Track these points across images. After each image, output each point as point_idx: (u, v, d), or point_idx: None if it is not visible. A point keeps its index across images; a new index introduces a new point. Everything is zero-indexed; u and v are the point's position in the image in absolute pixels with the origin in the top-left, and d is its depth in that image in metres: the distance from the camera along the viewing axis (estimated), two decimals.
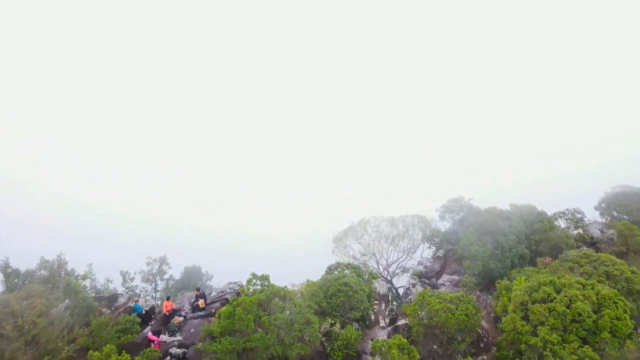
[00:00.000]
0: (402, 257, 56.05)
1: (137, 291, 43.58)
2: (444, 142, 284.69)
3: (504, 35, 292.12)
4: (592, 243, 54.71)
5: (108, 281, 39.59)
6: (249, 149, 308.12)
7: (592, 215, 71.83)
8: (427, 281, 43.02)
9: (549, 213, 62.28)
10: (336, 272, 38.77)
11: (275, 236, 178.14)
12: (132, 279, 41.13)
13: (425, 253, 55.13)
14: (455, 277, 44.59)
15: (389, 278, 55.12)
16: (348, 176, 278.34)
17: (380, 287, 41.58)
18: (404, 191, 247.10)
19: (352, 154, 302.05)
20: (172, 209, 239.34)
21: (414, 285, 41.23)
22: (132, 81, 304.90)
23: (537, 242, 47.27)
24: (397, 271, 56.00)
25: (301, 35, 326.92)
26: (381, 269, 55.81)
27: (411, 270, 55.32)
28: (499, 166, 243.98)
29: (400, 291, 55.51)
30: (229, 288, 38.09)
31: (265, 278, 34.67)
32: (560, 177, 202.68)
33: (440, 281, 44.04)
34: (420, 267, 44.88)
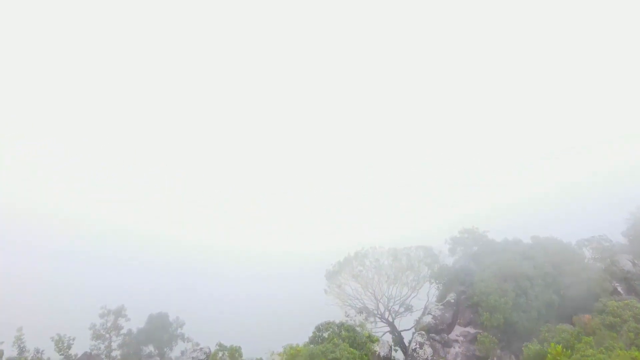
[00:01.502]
0: (406, 293, 48.76)
1: (89, 349, 36.18)
2: (444, 142, 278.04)
3: (504, 37, 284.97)
4: (624, 278, 47.55)
5: (38, 352, 31.98)
6: (249, 149, 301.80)
7: (613, 236, 64.72)
8: (436, 337, 35.68)
9: (573, 242, 55.12)
10: (325, 335, 31.36)
11: (272, 250, 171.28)
12: (69, 346, 33.45)
13: (432, 291, 47.80)
14: (471, 330, 37.21)
15: (390, 319, 47.77)
16: (348, 176, 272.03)
17: (381, 348, 34.17)
18: (404, 191, 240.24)
19: (352, 154, 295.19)
20: (171, 211, 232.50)
21: (421, 345, 33.86)
22: (132, 82, 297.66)
23: (567, 285, 39.82)
24: (401, 309, 48.67)
25: (301, 35, 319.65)
26: (382, 309, 48.46)
27: (417, 316, 48.05)
28: (499, 166, 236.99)
29: (404, 335, 48.31)
30: (192, 358, 30.71)
31: (235, 350, 27.46)
32: (561, 177, 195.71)
33: (452, 336, 36.67)
34: (429, 318, 37.51)
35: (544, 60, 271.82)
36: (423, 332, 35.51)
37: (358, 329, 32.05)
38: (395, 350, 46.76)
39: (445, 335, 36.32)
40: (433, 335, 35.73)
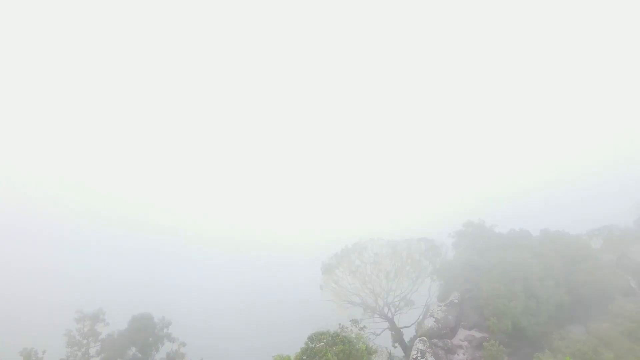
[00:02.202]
0: (407, 288, 46.09)
1: (65, 355, 33.53)
2: (447, 129, 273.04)
3: (501, 41, 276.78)
4: (637, 271, 44.97)
5: None
6: (245, 138, 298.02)
7: (623, 222, 61.93)
8: (439, 343, 33.06)
9: (584, 232, 52.29)
10: (319, 346, 28.54)
11: (267, 239, 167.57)
12: None
13: (433, 287, 45.13)
14: (476, 334, 34.63)
15: (389, 315, 45.34)
16: (346, 163, 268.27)
17: (380, 357, 31.60)
18: (406, 179, 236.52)
19: (349, 141, 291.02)
20: (165, 199, 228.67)
21: (423, 354, 31.24)
22: (134, 82, 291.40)
23: (579, 285, 36.96)
24: (401, 304, 46.11)
25: (302, 40, 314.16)
26: (381, 304, 45.96)
27: (418, 312, 45.59)
28: (503, 153, 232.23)
29: (404, 332, 45.97)
30: None
31: None
32: (567, 163, 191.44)
33: (456, 340, 34.10)
34: (431, 322, 34.85)
35: (555, 45, 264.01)
36: (424, 338, 32.85)
37: (354, 340, 29.27)
38: (395, 347, 44.58)
39: (449, 340, 33.71)
40: (435, 341, 33.10)
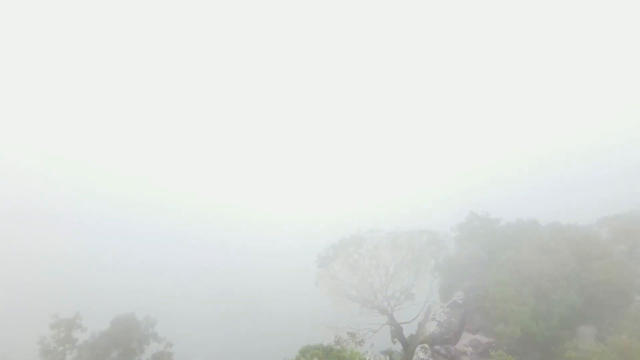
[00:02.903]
0: (407, 283, 43.67)
1: None
2: (448, 113, 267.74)
3: (492, 31, 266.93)
4: None
5: None
6: (254, 133, 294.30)
7: (630, 204, 59.21)
8: (442, 350, 30.78)
9: (594, 220, 49.45)
10: None
11: (264, 225, 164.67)
12: None
13: (435, 283, 42.68)
14: (481, 339, 32.38)
15: (389, 310, 43.12)
16: (344, 149, 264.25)
17: None
18: (406, 166, 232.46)
19: (348, 125, 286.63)
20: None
21: None
22: (135, 75, 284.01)
23: (593, 284, 34.30)
24: (401, 298, 43.80)
25: (299, 35, 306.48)
26: (380, 298, 43.63)
27: (418, 307, 43.39)
28: (502, 137, 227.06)
29: (404, 327, 44.00)
30: None
31: None
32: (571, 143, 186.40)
33: (460, 346, 31.85)
34: (433, 325, 32.56)
35: (550, 31, 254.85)
36: (426, 346, 30.49)
37: (349, 357, 26.77)
38: (394, 342, 42.65)
39: (452, 347, 31.40)
40: (438, 347, 30.79)
